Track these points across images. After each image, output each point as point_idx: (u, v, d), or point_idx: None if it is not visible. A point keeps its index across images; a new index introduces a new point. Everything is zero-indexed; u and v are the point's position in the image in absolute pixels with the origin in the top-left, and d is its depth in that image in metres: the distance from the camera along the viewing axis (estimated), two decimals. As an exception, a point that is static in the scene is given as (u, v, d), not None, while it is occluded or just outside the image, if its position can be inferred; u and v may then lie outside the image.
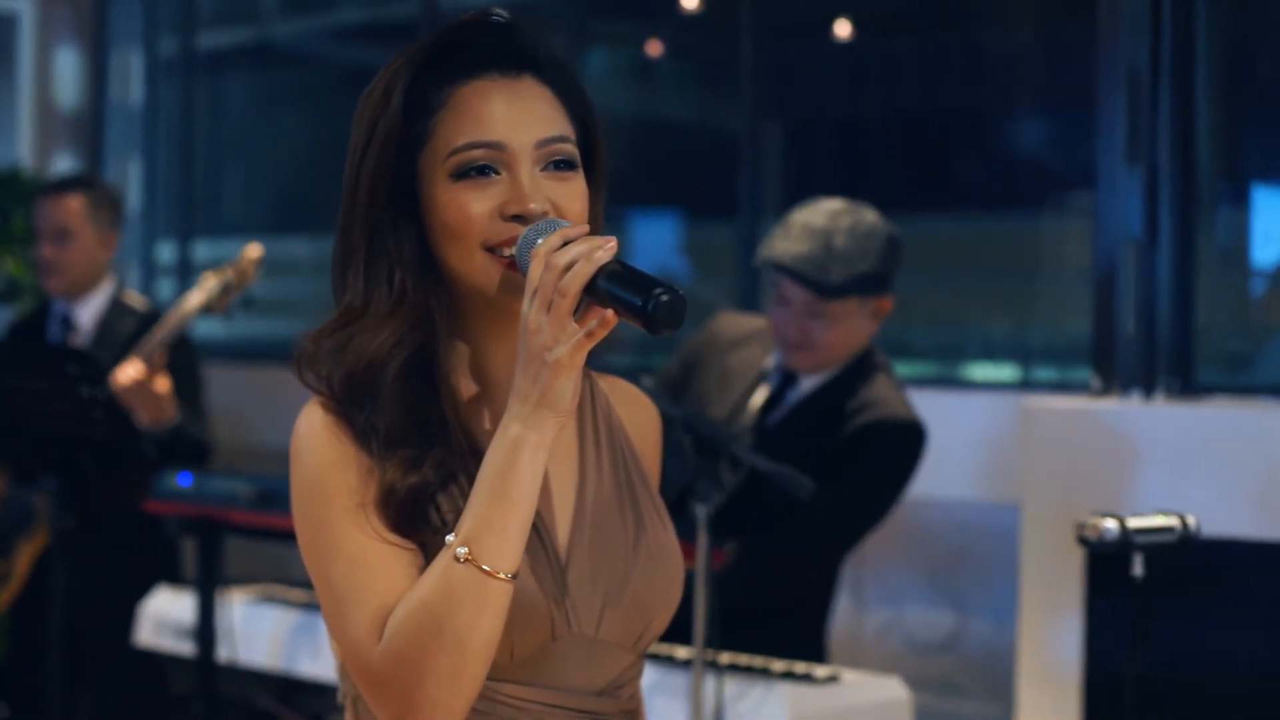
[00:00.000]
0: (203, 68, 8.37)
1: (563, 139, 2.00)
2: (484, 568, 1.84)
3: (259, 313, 5.66)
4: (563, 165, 1.99)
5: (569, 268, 1.83)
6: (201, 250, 8.27)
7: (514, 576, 1.86)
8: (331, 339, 1.98)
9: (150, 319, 5.45)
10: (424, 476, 1.92)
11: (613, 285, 1.83)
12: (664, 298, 1.80)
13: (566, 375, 1.85)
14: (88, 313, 5.49)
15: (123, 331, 5.42)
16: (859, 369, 4.14)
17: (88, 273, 5.49)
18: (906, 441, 4.10)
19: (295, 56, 8.55)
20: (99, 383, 4.93)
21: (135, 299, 5.62)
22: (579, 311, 1.84)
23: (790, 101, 6.73)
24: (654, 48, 7.47)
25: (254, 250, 5.04)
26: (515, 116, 1.98)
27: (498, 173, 1.96)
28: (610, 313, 1.83)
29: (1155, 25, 5.17)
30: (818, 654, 4.19)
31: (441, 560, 1.86)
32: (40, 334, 5.55)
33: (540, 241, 1.88)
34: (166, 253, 8.36)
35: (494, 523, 1.85)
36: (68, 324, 5.50)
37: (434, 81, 2.00)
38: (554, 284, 1.83)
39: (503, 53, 2.02)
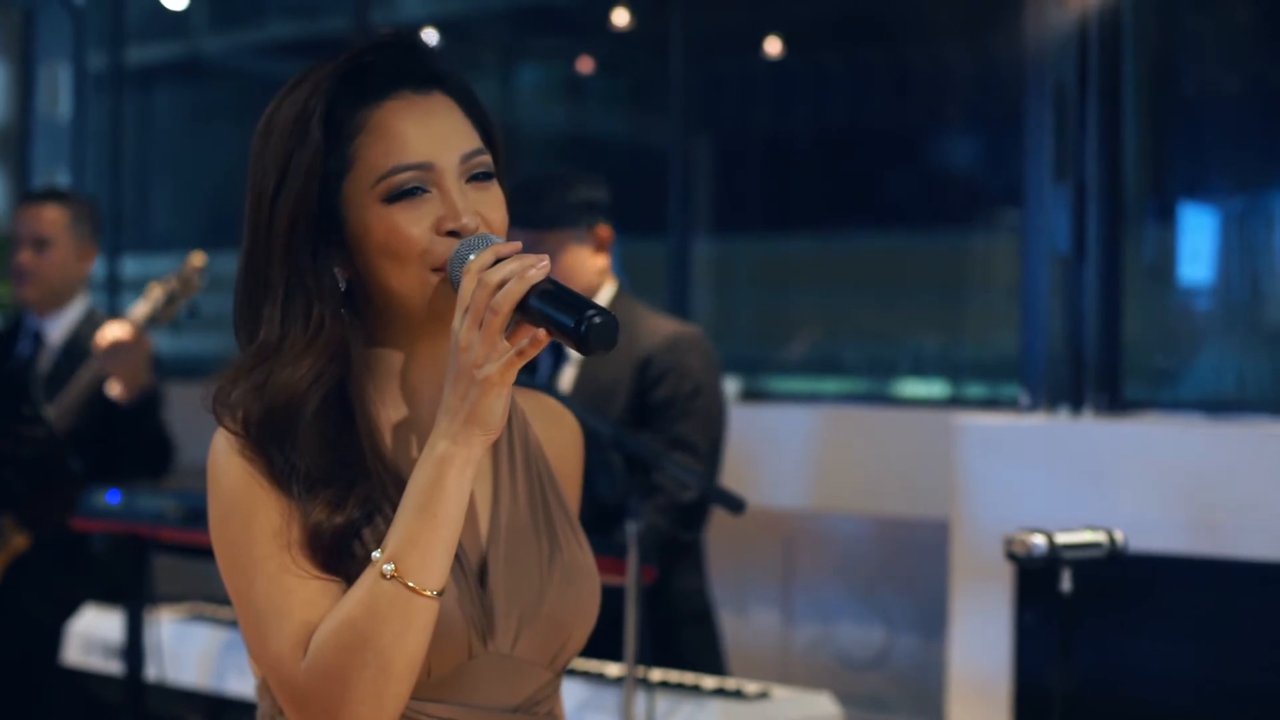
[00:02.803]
0: (131, 82, 8.33)
1: (481, 150, 2.00)
2: (410, 585, 1.84)
3: (185, 328, 5.63)
4: (483, 176, 2.00)
5: (501, 285, 1.83)
6: (130, 266, 8.23)
7: (440, 594, 1.86)
8: (249, 377, 1.96)
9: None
10: (349, 516, 1.91)
11: (545, 305, 1.83)
12: (596, 319, 1.81)
13: (496, 393, 1.85)
14: (57, 330, 5.44)
15: (86, 353, 5.38)
16: (613, 308, 4.22)
17: (63, 284, 5.45)
18: (692, 350, 4.21)
19: (224, 71, 8.52)
20: (27, 401, 4.91)
21: (106, 320, 5.58)
22: (510, 329, 1.85)
23: (720, 118, 6.75)
24: (584, 64, 7.48)
25: (197, 259, 5.05)
26: (437, 134, 1.98)
27: (427, 191, 1.96)
28: (542, 332, 1.84)
29: (1082, 43, 5.20)
30: (707, 612, 4.29)
31: (367, 577, 1.86)
32: (9, 349, 5.50)
33: (473, 257, 1.88)
34: (96, 268, 8.30)
35: (420, 540, 1.85)
36: (38, 340, 5.45)
37: (349, 106, 1.98)
38: (486, 301, 1.83)
39: (410, 70, 2.01)
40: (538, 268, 1.84)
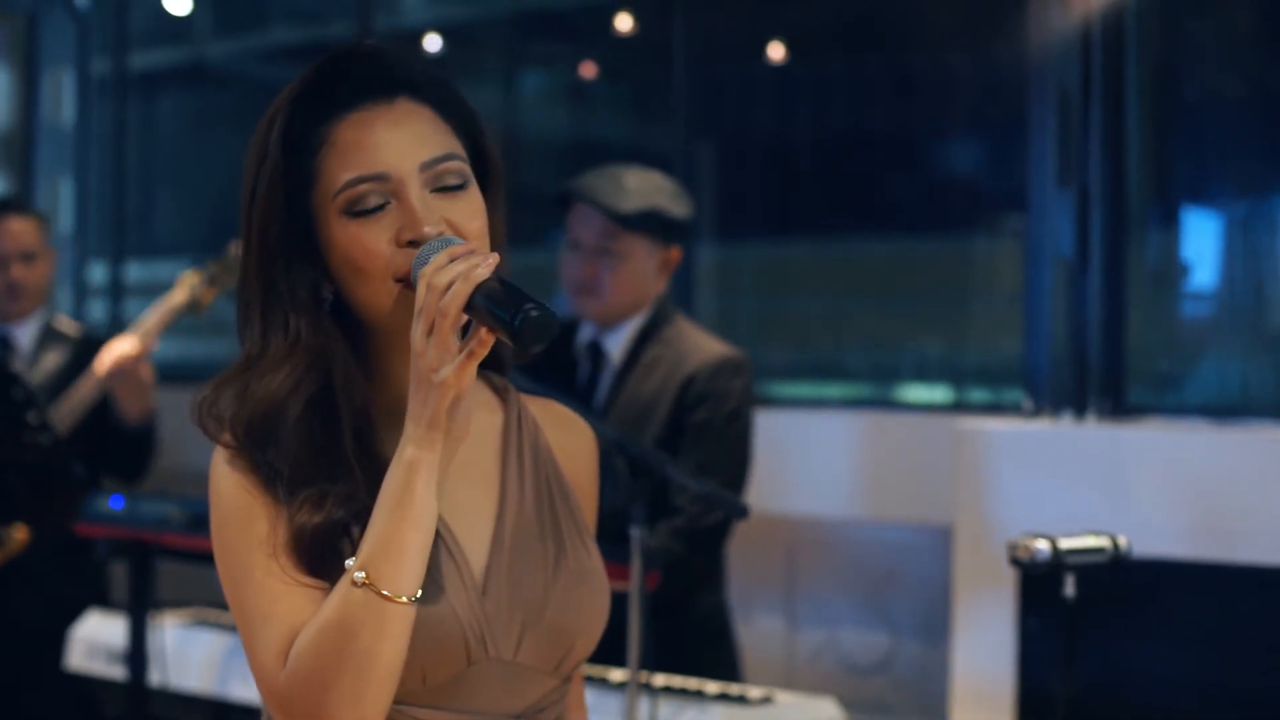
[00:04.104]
0: (135, 88, 8.34)
1: (449, 157, 1.99)
2: (383, 592, 1.85)
3: (189, 334, 5.64)
4: (453, 183, 1.99)
5: (449, 288, 1.84)
6: (134, 271, 8.23)
7: (415, 599, 1.87)
8: (232, 386, 1.98)
9: (84, 344, 5.44)
10: (329, 515, 1.93)
11: (487, 302, 1.83)
12: (533, 313, 1.81)
13: (454, 395, 1.86)
14: (27, 334, 5.46)
15: (56, 356, 5.40)
16: (656, 322, 4.23)
17: (44, 293, 5.50)
18: (736, 375, 4.17)
19: (228, 77, 8.53)
20: (33, 406, 4.92)
21: (67, 324, 5.60)
22: (469, 330, 1.85)
23: (723, 123, 6.75)
24: (587, 69, 7.48)
25: (237, 248, 5.09)
26: (396, 143, 1.97)
27: (388, 202, 1.96)
28: (484, 330, 1.85)
29: (1085, 48, 5.20)
30: (726, 627, 4.27)
31: (342, 584, 1.87)
32: None
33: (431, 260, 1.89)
34: (98, 274, 8.32)
35: (392, 546, 1.86)
36: (6, 345, 5.47)
37: (312, 121, 1.98)
38: (435, 305, 1.84)
39: (375, 80, 2.00)
40: (484, 265, 1.85)
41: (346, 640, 1.84)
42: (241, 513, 1.94)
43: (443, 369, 1.84)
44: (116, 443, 5.23)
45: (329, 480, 1.94)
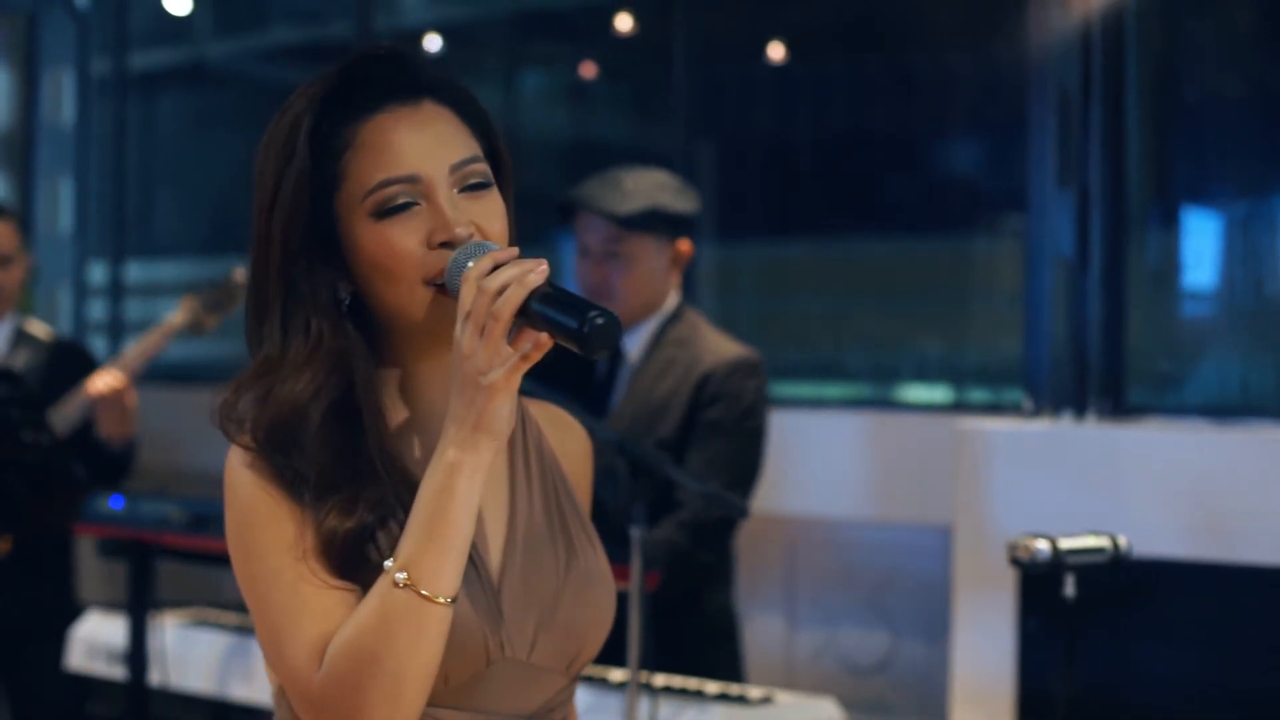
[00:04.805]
0: (135, 88, 8.33)
1: (474, 159, 2.00)
2: (422, 593, 1.85)
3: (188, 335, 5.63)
4: (478, 185, 1.99)
5: (501, 292, 1.84)
6: (134, 271, 8.23)
7: (452, 601, 1.87)
8: (252, 390, 1.98)
9: (55, 348, 5.45)
10: (361, 519, 1.92)
11: (546, 308, 1.84)
12: (599, 320, 1.82)
13: (502, 399, 1.86)
14: (1, 337, 5.46)
15: (27, 359, 5.40)
16: (674, 321, 4.25)
17: (17, 296, 5.50)
18: (750, 377, 4.17)
19: (228, 77, 8.52)
20: (32, 407, 4.92)
21: (39, 328, 5.59)
22: (512, 334, 1.85)
23: (723, 123, 6.75)
24: (587, 69, 7.48)
25: (240, 275, 5.11)
26: (425, 145, 1.98)
27: (417, 204, 1.96)
28: (544, 335, 1.84)
29: (1085, 48, 5.21)
30: (733, 626, 4.25)
31: (380, 586, 1.87)
32: None
33: (471, 265, 1.89)
34: (98, 274, 8.32)
35: (432, 547, 1.86)
36: None
37: (336, 122, 1.98)
38: (486, 308, 1.84)
39: (399, 81, 2.01)
40: (536, 272, 1.85)
41: (386, 641, 1.85)
42: (265, 515, 1.93)
43: (492, 372, 1.84)
44: (95, 459, 5.22)
45: (355, 485, 1.94)
